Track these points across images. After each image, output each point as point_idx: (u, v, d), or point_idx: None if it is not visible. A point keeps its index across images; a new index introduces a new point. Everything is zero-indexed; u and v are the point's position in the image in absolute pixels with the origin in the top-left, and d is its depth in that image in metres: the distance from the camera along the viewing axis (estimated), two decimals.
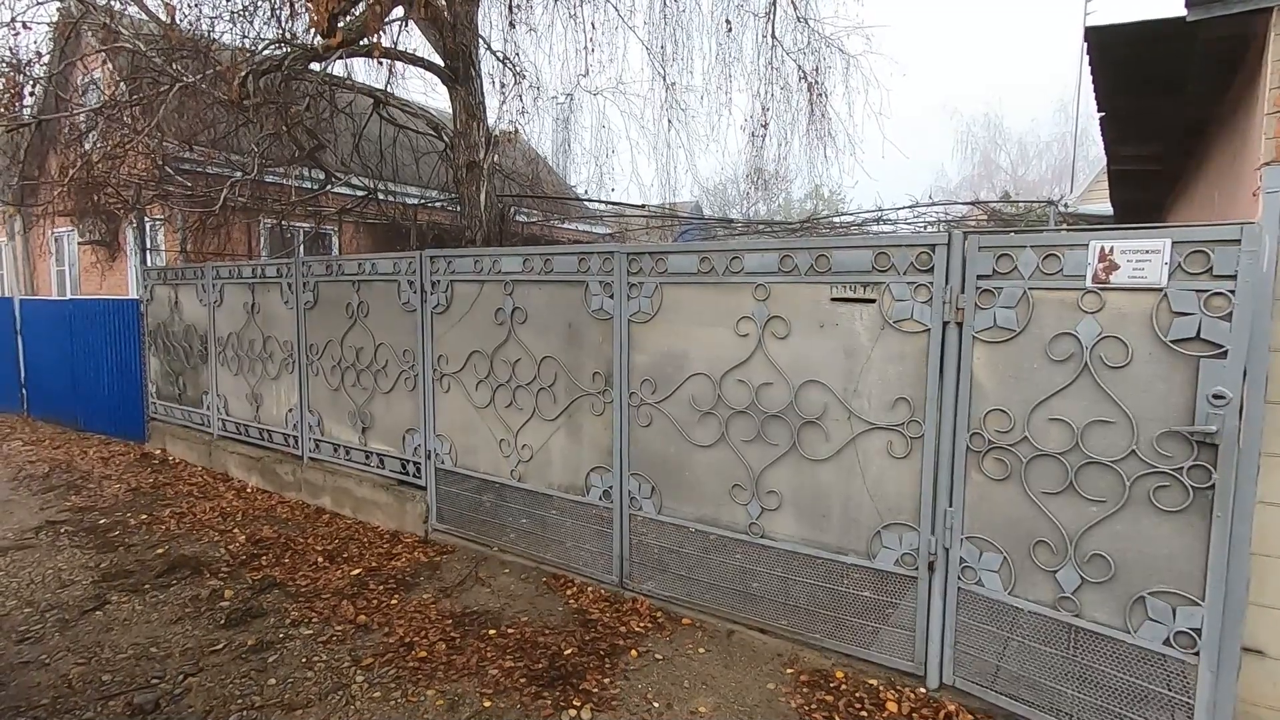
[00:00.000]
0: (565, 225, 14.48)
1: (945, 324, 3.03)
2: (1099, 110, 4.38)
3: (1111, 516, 2.69)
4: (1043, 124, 40.22)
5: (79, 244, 12.59)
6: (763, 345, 3.53)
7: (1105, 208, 8.40)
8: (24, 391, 10.13)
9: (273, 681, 3.29)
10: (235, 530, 5.34)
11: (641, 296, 3.94)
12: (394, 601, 4.13)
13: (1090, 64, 3.67)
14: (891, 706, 3.07)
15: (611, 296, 4.06)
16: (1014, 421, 2.89)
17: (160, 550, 4.93)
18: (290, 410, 6.23)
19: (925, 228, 10.49)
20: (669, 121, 9.39)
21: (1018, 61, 44.29)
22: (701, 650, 3.58)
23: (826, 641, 3.46)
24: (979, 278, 2.94)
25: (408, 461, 5.31)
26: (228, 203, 7.62)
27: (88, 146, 8.04)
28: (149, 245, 9.12)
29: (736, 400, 3.64)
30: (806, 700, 3.14)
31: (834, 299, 3.31)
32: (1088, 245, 2.68)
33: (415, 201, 10.83)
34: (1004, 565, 2.97)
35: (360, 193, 9.47)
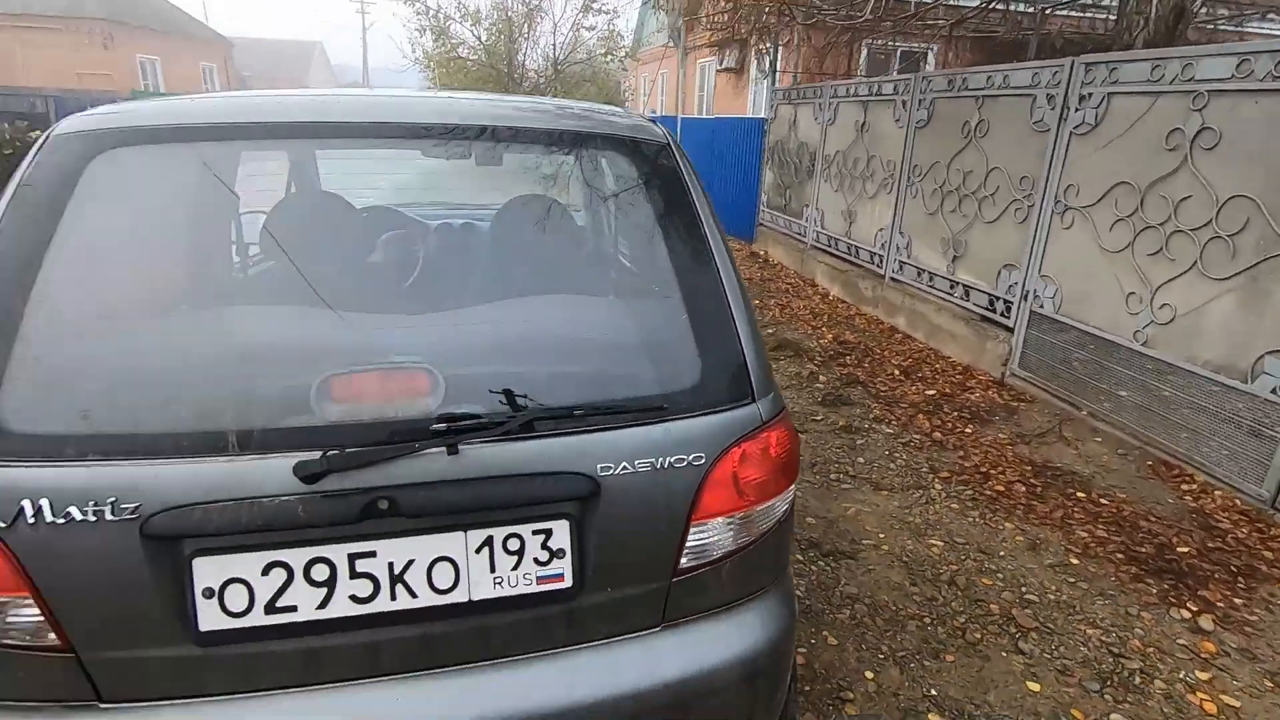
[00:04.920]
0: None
1: None
2: None
3: None
4: None
5: (716, 71, 15.06)
6: None
7: None
8: None
9: (861, 460, 3.77)
10: (824, 329, 6.09)
11: None
12: (968, 430, 4.16)
13: None
14: None
15: None
16: None
17: (770, 330, 6.00)
18: (881, 230, 6.50)
19: None
20: None
21: None
22: None
23: None
24: None
25: (997, 298, 5.03)
26: (853, 22, 7.82)
27: None
28: (775, 68, 10.21)
29: None
30: None
31: None
32: None
33: (1042, 7, 9.22)
34: None
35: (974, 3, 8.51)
